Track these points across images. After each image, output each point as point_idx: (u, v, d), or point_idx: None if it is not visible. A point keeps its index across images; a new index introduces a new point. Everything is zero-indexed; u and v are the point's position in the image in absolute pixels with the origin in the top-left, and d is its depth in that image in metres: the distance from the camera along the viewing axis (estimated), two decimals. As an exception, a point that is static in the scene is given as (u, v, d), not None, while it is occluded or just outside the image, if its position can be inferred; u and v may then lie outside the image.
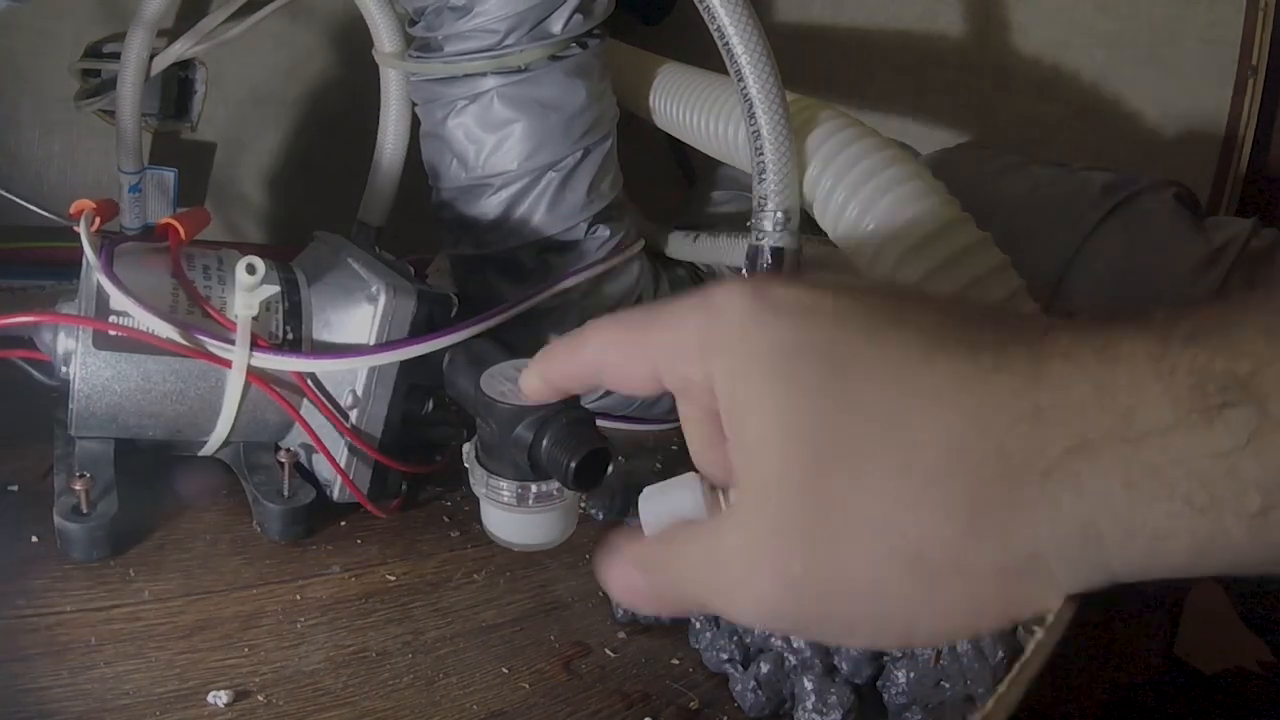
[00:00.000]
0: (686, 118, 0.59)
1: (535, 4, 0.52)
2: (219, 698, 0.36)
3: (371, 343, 0.47)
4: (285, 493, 0.47)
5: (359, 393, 0.47)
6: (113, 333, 0.43)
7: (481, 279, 0.58)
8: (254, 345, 0.44)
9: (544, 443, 0.38)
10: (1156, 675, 0.51)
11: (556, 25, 0.53)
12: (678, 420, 0.32)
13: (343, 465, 0.48)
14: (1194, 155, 1.01)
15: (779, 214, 0.50)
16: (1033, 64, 1.00)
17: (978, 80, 1.00)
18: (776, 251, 0.51)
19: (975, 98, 1.01)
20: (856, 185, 0.49)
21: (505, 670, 0.41)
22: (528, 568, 0.49)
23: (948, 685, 0.39)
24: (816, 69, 0.96)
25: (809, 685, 0.40)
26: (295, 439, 0.49)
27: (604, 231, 0.58)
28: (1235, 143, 1.00)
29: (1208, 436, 0.21)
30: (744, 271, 0.54)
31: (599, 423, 0.42)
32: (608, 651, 0.44)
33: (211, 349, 0.43)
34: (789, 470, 0.24)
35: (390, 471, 0.49)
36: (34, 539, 0.43)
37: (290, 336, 0.46)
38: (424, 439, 0.51)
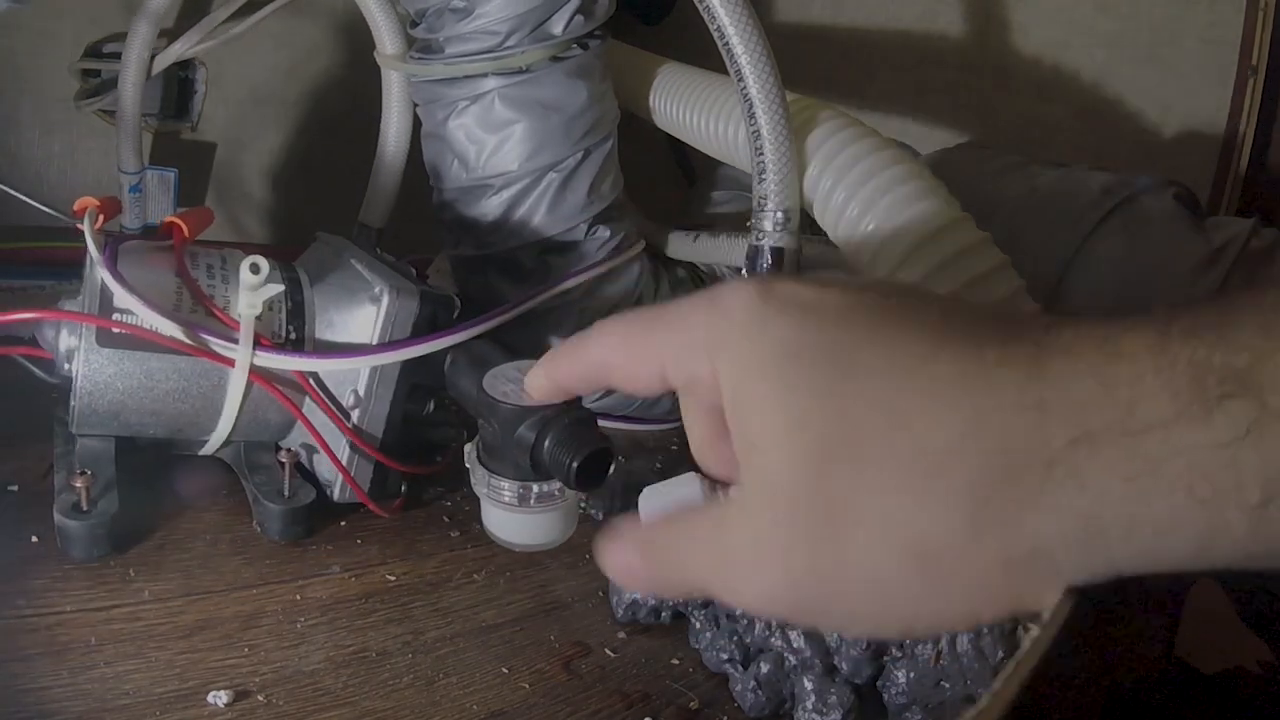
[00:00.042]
0: (686, 118, 0.59)
1: (536, 5, 0.52)
2: (219, 698, 0.36)
3: (374, 343, 0.47)
4: (285, 493, 0.47)
5: (361, 393, 0.47)
6: (116, 330, 0.43)
7: (482, 280, 0.58)
8: (257, 344, 0.44)
9: (546, 443, 0.38)
10: (1156, 675, 0.51)
11: (557, 26, 0.53)
12: (678, 420, 0.32)
13: (344, 465, 0.48)
14: (1194, 155, 1.01)
15: (779, 214, 0.50)
16: (1033, 64, 1.00)
17: (978, 80, 1.00)
18: (776, 251, 0.51)
19: (975, 98, 1.01)
20: (856, 185, 0.49)
21: (505, 670, 0.41)
22: (528, 568, 0.49)
23: (948, 685, 0.39)
24: (816, 69, 0.96)
25: (809, 685, 0.40)
26: (296, 439, 0.49)
27: (604, 232, 0.58)
28: (1235, 143, 1.00)
29: (1208, 428, 0.21)
30: (744, 271, 0.54)
31: (600, 423, 0.42)
32: (608, 651, 0.44)
33: (215, 347, 0.43)
34: (794, 464, 0.24)
35: (391, 471, 0.49)
36: (34, 539, 0.43)
37: (293, 336, 0.47)
38: (425, 439, 0.51)
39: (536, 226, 0.56)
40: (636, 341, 0.29)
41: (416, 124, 0.61)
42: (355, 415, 0.48)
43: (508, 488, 0.41)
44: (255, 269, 0.43)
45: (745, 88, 0.49)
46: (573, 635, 0.44)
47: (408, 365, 0.47)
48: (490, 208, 0.56)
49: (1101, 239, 0.68)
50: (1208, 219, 0.70)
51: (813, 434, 0.24)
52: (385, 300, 0.46)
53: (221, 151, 0.77)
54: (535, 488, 0.41)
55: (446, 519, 0.52)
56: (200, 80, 0.73)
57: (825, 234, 0.52)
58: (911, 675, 0.40)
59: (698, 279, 0.70)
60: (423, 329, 0.47)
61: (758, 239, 0.51)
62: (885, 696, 0.41)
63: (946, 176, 0.52)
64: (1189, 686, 0.51)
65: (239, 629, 0.40)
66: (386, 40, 0.61)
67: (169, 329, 0.42)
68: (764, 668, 0.41)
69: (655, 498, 0.32)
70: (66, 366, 0.44)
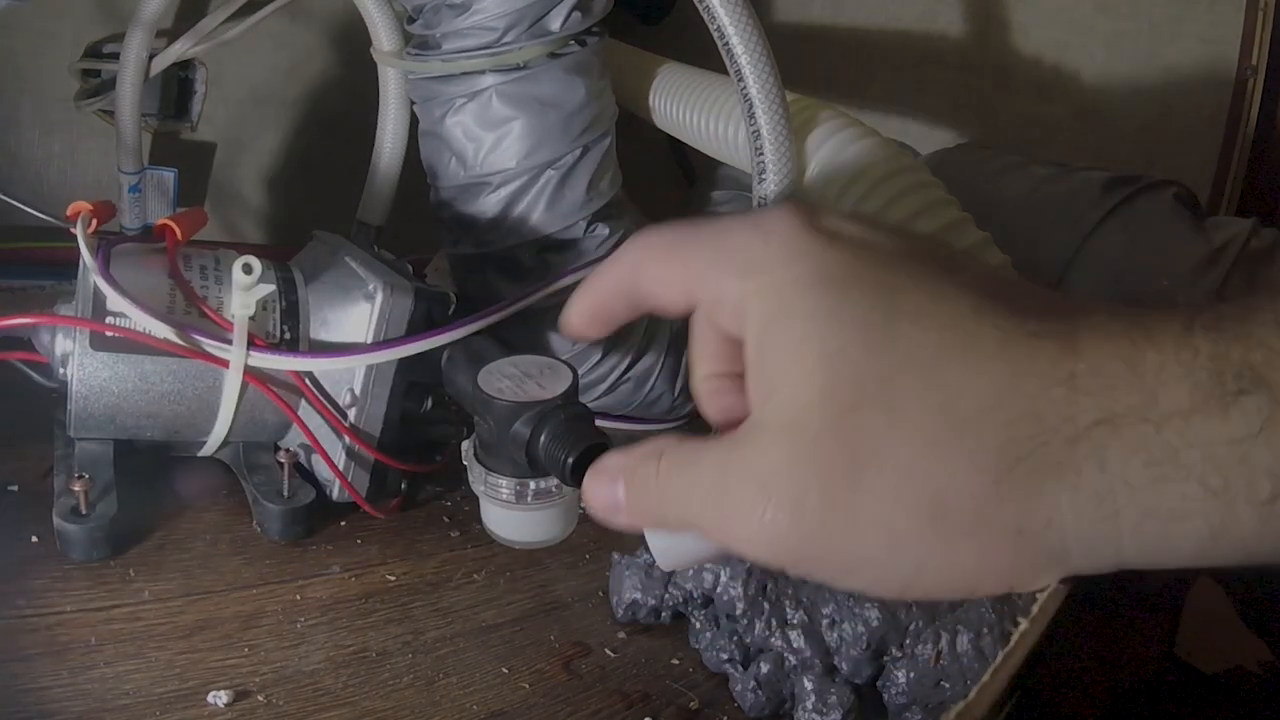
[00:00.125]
0: (686, 118, 0.59)
1: (533, 1, 0.52)
2: (219, 698, 0.36)
3: (369, 341, 0.47)
4: (285, 493, 0.47)
5: (357, 391, 0.47)
6: (110, 334, 0.43)
7: (481, 278, 0.58)
8: (251, 345, 0.44)
9: (542, 439, 0.38)
10: (1156, 675, 0.51)
11: (555, 23, 0.53)
12: (678, 420, 0.32)
13: (340, 465, 0.48)
14: (1194, 155, 1.01)
15: (779, 213, 0.50)
16: (1033, 64, 1.00)
17: (978, 80, 1.00)
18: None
19: (975, 98, 1.01)
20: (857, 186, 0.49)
21: (505, 670, 0.41)
22: (528, 568, 0.49)
23: (948, 685, 0.39)
24: (816, 69, 0.96)
25: (809, 685, 0.40)
26: (295, 439, 0.49)
27: (603, 230, 0.58)
28: (1235, 143, 1.00)
29: (1224, 423, 0.21)
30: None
31: (598, 422, 0.42)
32: (608, 651, 0.44)
33: (209, 349, 0.43)
34: (824, 400, 0.24)
35: (390, 471, 0.49)
36: (34, 539, 0.43)
37: (287, 336, 0.46)
38: (423, 438, 0.51)
39: (535, 224, 0.56)
40: (668, 249, 0.28)
41: (414, 122, 0.61)
42: (352, 414, 0.47)
43: (505, 485, 0.41)
44: (247, 269, 0.43)
45: (745, 88, 0.49)
46: (573, 635, 0.44)
47: (404, 363, 0.47)
48: (488, 205, 0.56)
49: (1101, 239, 0.68)
50: (1208, 219, 0.70)
51: (846, 374, 0.24)
52: (379, 298, 0.46)
53: (221, 152, 0.77)
54: (533, 484, 0.41)
55: (446, 519, 0.52)
56: (200, 80, 0.73)
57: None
58: (911, 675, 0.40)
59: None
60: (418, 326, 0.47)
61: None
62: (885, 696, 0.41)
63: (946, 176, 0.52)
64: (1189, 686, 0.51)
65: (239, 629, 0.40)
66: (383, 37, 0.61)
67: (162, 331, 0.42)
68: (764, 668, 0.41)
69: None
70: (62, 371, 0.44)
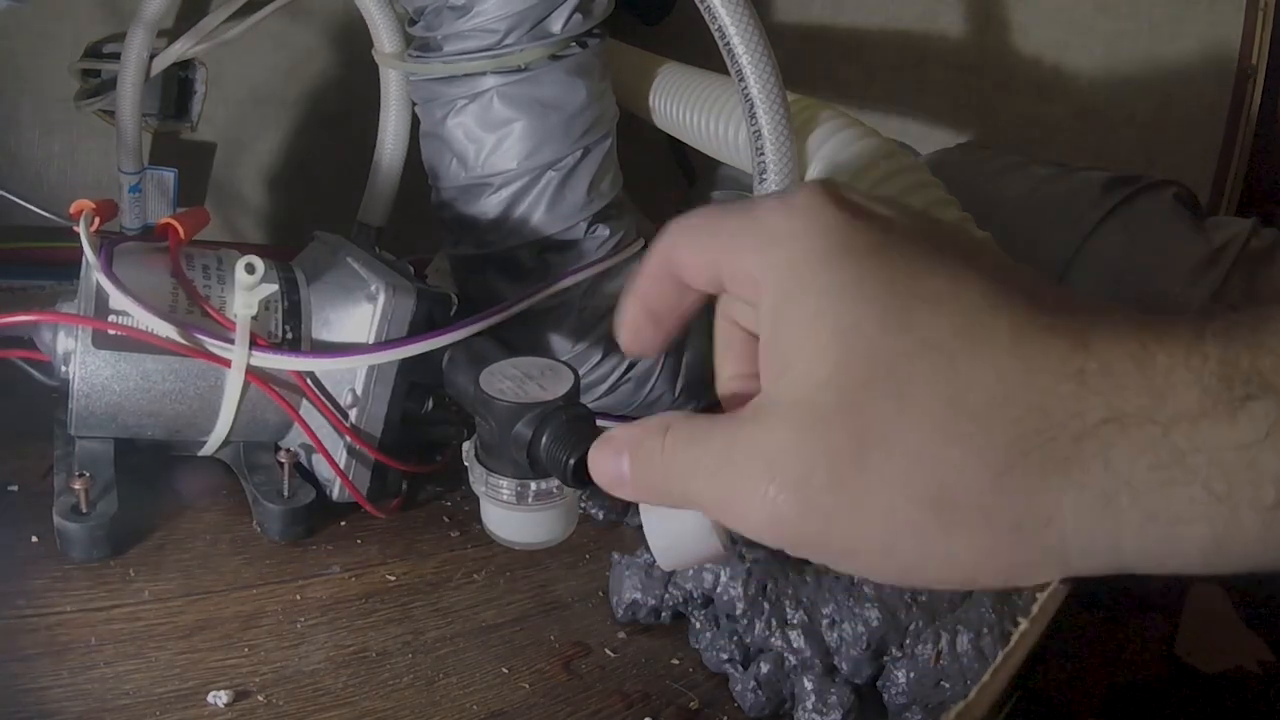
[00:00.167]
0: (687, 118, 0.59)
1: (535, 3, 0.52)
2: (219, 698, 0.36)
3: (371, 342, 0.47)
4: (285, 493, 0.47)
5: (358, 392, 0.47)
6: (112, 332, 0.43)
7: (481, 279, 0.58)
8: (253, 344, 0.44)
9: (543, 440, 0.38)
10: (1156, 675, 0.51)
11: (556, 24, 0.53)
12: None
13: (342, 465, 0.48)
14: (1194, 155, 1.01)
15: (779, 214, 0.50)
16: (1033, 64, 1.00)
17: (978, 80, 1.00)
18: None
19: (975, 98, 1.01)
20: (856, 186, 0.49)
21: (505, 670, 0.41)
22: (528, 568, 0.49)
23: (948, 685, 0.39)
24: (816, 69, 0.96)
25: (809, 685, 0.40)
26: (295, 439, 0.49)
27: (604, 231, 0.58)
28: (1235, 143, 1.00)
29: (1231, 429, 0.21)
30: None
31: (599, 423, 0.42)
32: (608, 651, 0.44)
33: (210, 348, 0.43)
34: (836, 378, 0.24)
35: (390, 471, 0.49)
36: (34, 539, 0.43)
37: (289, 336, 0.46)
38: (424, 438, 0.51)
39: (536, 225, 0.56)
40: (701, 227, 0.28)
41: (415, 123, 0.61)
42: (353, 415, 0.47)
43: (506, 486, 0.41)
44: (250, 269, 0.43)
45: (746, 88, 0.49)
46: (573, 635, 0.44)
47: (405, 364, 0.47)
48: (489, 206, 0.56)
49: (1101, 239, 0.68)
50: (1208, 219, 0.70)
51: (860, 351, 0.24)
52: (382, 298, 0.46)
53: (221, 152, 0.77)
54: (533, 485, 0.41)
55: (446, 519, 0.52)
56: (200, 80, 0.73)
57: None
58: (911, 675, 0.40)
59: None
60: (420, 327, 0.47)
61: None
62: (885, 696, 0.41)
63: (946, 176, 0.52)
64: (1189, 686, 0.51)
65: (239, 629, 0.40)
66: (385, 38, 0.61)
67: (164, 330, 0.42)
68: (764, 668, 0.41)
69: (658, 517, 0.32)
70: (64, 369, 0.44)
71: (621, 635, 0.45)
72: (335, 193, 0.69)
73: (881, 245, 0.25)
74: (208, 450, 0.48)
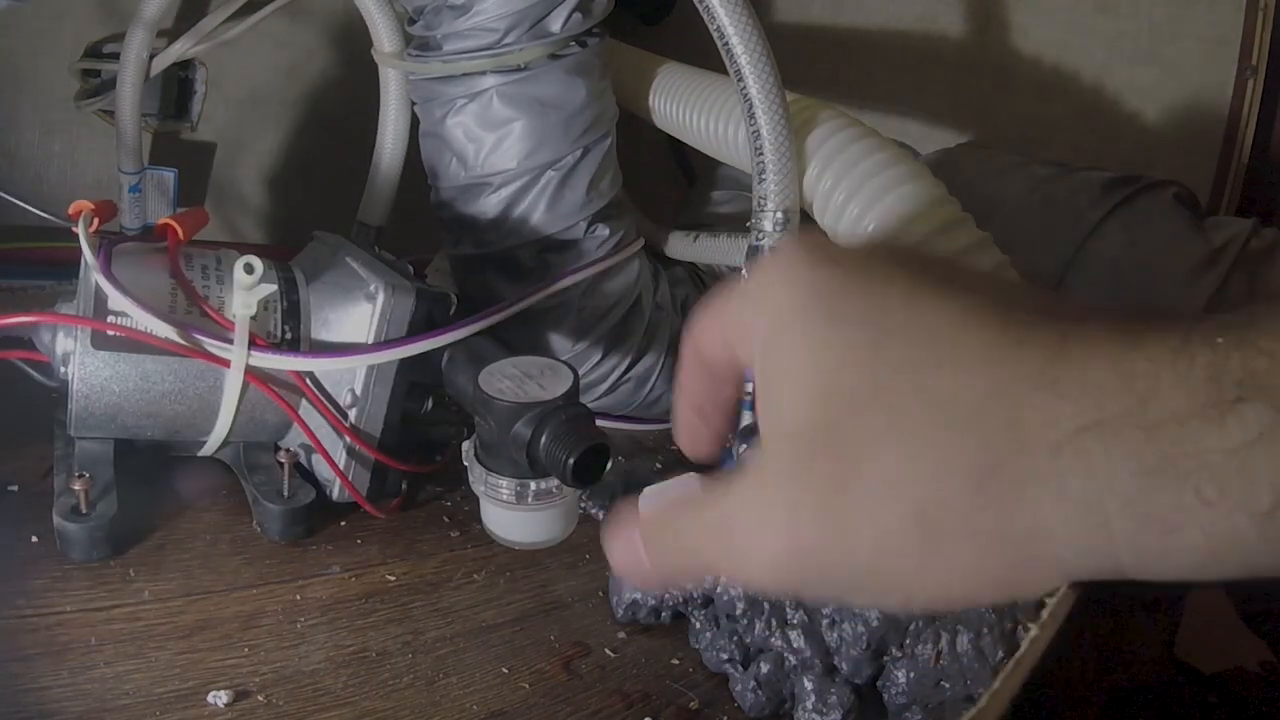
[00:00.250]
0: (686, 118, 0.59)
1: (534, 2, 0.52)
2: (219, 698, 0.36)
3: (370, 341, 0.47)
4: (285, 493, 0.47)
5: (358, 392, 0.47)
6: (111, 333, 0.43)
7: (481, 278, 0.58)
8: (252, 344, 0.44)
9: (542, 439, 0.38)
10: (1156, 675, 0.51)
11: (555, 24, 0.53)
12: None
13: (341, 465, 0.48)
14: (1194, 155, 1.01)
15: (779, 214, 0.50)
16: (1033, 64, 1.00)
17: (978, 80, 1.00)
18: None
19: (975, 98, 1.01)
20: (856, 185, 0.49)
21: (505, 670, 0.41)
22: (528, 568, 0.49)
23: (948, 685, 0.39)
24: (816, 69, 0.96)
25: (809, 685, 0.40)
26: (295, 439, 0.49)
27: (603, 230, 0.58)
28: (1235, 143, 1.00)
29: (1220, 431, 0.21)
30: (744, 272, 0.54)
31: (599, 422, 0.42)
32: (608, 651, 0.44)
33: (210, 348, 0.43)
34: (815, 414, 0.24)
35: (390, 471, 0.49)
36: (34, 539, 0.43)
37: (288, 336, 0.46)
38: (424, 438, 0.51)
39: (535, 225, 0.56)
40: (712, 306, 0.30)
41: (415, 123, 0.61)
42: (353, 415, 0.47)
43: (506, 485, 0.41)
44: (249, 269, 0.43)
45: (745, 88, 0.49)
46: (573, 635, 0.44)
47: (405, 364, 0.47)
48: (489, 206, 0.56)
49: (1101, 239, 0.68)
50: (1208, 219, 0.70)
51: (839, 387, 0.24)
52: (381, 298, 0.46)
53: (221, 152, 0.77)
54: (533, 485, 0.41)
55: (446, 519, 0.52)
56: (200, 80, 0.73)
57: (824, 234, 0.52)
58: (911, 675, 0.40)
59: (697, 279, 0.70)
60: (419, 327, 0.47)
61: (758, 239, 0.51)
62: (885, 696, 0.41)
63: (946, 176, 0.52)
64: (1189, 686, 0.51)
65: (239, 629, 0.40)
66: (384, 38, 0.61)
67: (163, 330, 0.42)
68: (764, 668, 0.41)
69: (655, 498, 0.32)
70: (63, 370, 0.44)
71: (621, 635, 0.45)
72: (334, 192, 0.69)
73: (850, 290, 0.26)
74: (207, 450, 0.48)
